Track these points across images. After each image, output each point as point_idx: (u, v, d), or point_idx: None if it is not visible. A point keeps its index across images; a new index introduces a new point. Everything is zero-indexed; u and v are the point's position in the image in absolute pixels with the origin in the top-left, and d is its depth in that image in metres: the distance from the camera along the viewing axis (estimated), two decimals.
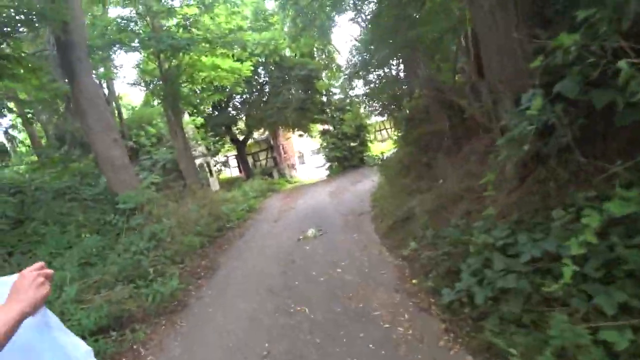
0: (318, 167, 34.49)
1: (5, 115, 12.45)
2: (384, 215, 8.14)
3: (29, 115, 13.77)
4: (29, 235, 6.16)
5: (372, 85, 16.86)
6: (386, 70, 14.34)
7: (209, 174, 19.96)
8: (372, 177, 15.60)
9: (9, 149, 15.35)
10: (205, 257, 7.48)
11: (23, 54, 7.62)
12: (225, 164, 33.75)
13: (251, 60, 14.78)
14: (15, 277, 1.11)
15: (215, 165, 25.53)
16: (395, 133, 16.42)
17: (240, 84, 15.11)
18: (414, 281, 4.51)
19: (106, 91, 14.09)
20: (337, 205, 11.30)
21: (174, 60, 11.84)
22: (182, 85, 13.22)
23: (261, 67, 22.11)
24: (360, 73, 16.76)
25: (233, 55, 14.13)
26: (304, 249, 7.15)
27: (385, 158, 13.26)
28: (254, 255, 7.38)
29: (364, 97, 19.01)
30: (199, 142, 17.10)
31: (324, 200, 12.52)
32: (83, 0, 10.02)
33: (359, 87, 18.96)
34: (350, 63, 17.05)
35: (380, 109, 16.78)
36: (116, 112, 14.82)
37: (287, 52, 23.77)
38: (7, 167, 12.03)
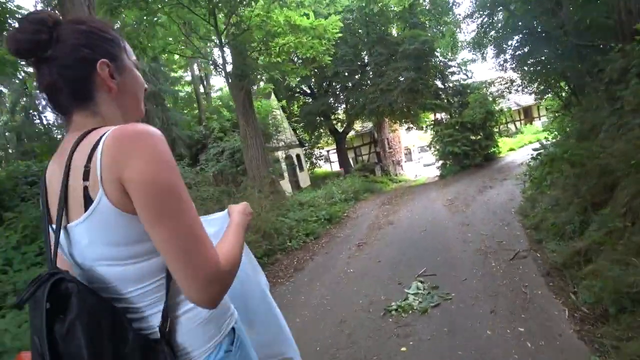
0: (427, 165, 29.26)
1: None
2: (575, 265, 3.67)
3: None
4: None
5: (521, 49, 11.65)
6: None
7: (298, 168, 16.99)
8: (508, 181, 10.59)
9: None
10: None
11: None
12: (325, 157, 31.02)
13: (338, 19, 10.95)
14: (223, 213, 1.16)
15: (311, 158, 22.70)
16: (561, 115, 10.74)
17: (330, 50, 11.45)
18: None
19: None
20: (463, 227, 6.84)
21: (233, 17, 8.79)
22: (253, 54, 10.17)
23: (361, 45, 18.27)
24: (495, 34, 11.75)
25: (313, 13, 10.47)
26: (391, 345, 3.14)
27: (543, 151, 8.39)
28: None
29: (506, 66, 13.67)
30: (282, 130, 14.05)
31: (440, 215, 8.12)
32: None
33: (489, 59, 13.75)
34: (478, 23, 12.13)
35: (538, 81, 11.30)
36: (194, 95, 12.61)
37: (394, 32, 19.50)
38: None
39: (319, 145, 25.93)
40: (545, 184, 7.33)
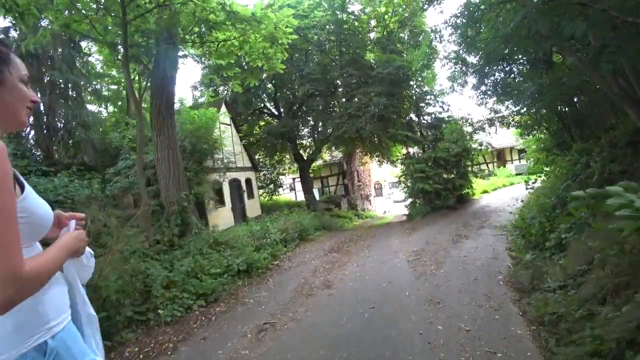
0: (397, 202, 27.12)
1: None
2: None
3: None
4: None
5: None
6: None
7: (246, 195, 14.23)
8: (486, 230, 8.39)
9: None
10: None
11: None
12: (290, 186, 28.37)
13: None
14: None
15: (269, 185, 20.03)
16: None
17: (283, 55, 9.17)
18: None
19: None
20: (431, 308, 4.30)
21: None
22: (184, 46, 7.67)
23: (333, 66, 16.27)
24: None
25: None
26: None
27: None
28: None
29: (486, 99, 11.74)
30: (221, 148, 11.40)
31: (400, 279, 5.55)
32: None
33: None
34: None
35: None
36: None
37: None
38: None
39: (283, 171, 23.37)
40: (549, 245, 5.00)
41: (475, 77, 10.95)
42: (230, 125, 13.92)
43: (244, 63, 10.21)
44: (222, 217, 12.27)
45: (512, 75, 10.15)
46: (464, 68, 9.62)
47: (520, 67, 9.88)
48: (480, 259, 6.23)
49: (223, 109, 13.63)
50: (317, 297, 4.99)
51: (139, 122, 6.84)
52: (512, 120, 10.67)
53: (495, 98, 11.07)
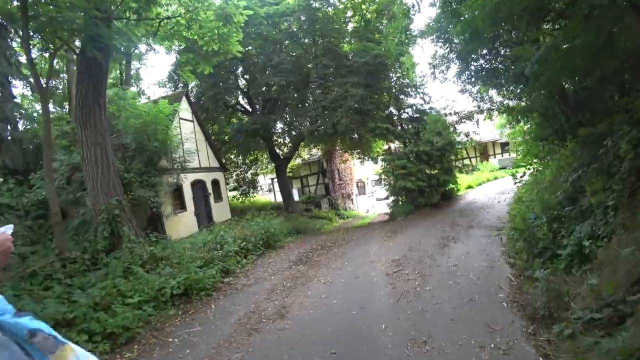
0: (380, 200, 26.01)
1: None
2: None
3: None
4: None
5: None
6: None
7: (213, 198, 12.78)
8: (476, 231, 7.27)
9: None
10: None
11: None
12: (269, 187, 26.91)
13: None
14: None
15: (242, 186, 18.56)
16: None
17: (239, 35, 7.84)
18: None
19: None
20: (415, 347, 3.06)
21: None
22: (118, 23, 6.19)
23: (305, 56, 14.96)
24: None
25: None
26: None
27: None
28: None
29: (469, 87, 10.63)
30: (178, 147, 9.95)
31: (375, 302, 4.27)
32: None
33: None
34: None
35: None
36: None
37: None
38: None
39: (260, 171, 21.94)
40: (565, 253, 3.78)
41: (459, 61, 9.85)
42: (192, 121, 12.43)
43: (197, 47, 8.80)
44: (183, 223, 10.81)
45: (499, 58, 9.05)
46: (447, 47, 8.45)
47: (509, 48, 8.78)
48: (474, 269, 5.05)
49: (184, 104, 12.14)
50: (263, 335, 3.67)
51: (44, 112, 5.38)
52: (500, 108, 9.53)
53: (480, 84, 9.98)
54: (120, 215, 6.16)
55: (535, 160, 10.10)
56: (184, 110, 12.06)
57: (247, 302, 4.73)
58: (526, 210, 6.01)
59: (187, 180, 11.14)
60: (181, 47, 8.32)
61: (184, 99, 12.18)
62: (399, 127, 14.49)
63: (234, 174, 18.26)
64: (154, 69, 50.45)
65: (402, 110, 14.98)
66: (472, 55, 8.99)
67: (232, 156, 18.35)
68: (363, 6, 16.63)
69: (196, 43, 8.27)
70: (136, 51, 15.96)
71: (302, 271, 5.99)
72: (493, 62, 9.19)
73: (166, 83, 17.61)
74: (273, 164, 19.13)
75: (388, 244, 7.48)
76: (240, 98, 18.56)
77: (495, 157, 26.77)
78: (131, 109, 8.62)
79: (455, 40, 8.75)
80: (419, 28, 8.99)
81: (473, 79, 9.61)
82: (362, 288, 4.81)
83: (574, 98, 7.06)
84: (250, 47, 15.21)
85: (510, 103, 9.56)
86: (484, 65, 9.34)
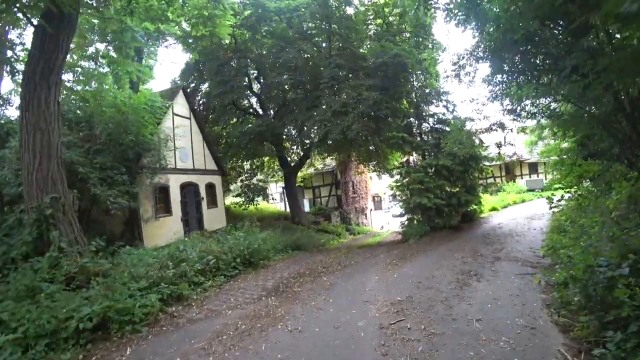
0: (396, 216, 24.25)
1: None
2: None
3: None
4: None
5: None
6: None
7: (205, 203, 11.53)
8: (504, 264, 5.59)
9: None
10: None
11: None
12: (281, 195, 25.60)
13: None
14: None
15: (247, 192, 17.25)
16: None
17: (226, 13, 6.64)
18: None
19: None
20: None
21: None
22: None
23: (318, 56, 13.71)
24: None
25: None
26: None
27: None
28: None
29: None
30: (167, 145, 8.80)
31: None
32: None
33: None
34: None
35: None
36: None
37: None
38: None
39: (269, 178, 20.76)
40: None
41: (490, 58, 8.24)
42: (189, 118, 11.32)
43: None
44: (166, 229, 9.59)
45: (541, 56, 7.39)
46: (477, 29, 6.89)
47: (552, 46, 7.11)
48: (506, 330, 3.47)
49: (181, 99, 11.06)
50: None
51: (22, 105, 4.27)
52: (545, 110, 7.78)
53: (517, 86, 8.28)
54: (55, 215, 4.93)
55: (580, 182, 8.40)
56: (179, 105, 10.96)
57: (174, 353, 3.32)
58: (578, 246, 4.34)
59: (175, 181, 9.96)
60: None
61: (180, 93, 11.09)
62: (418, 138, 12.93)
63: (239, 179, 17.06)
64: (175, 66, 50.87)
65: (422, 120, 13.42)
66: (515, 42, 7.24)
67: (239, 160, 17.21)
68: (386, 9, 15.40)
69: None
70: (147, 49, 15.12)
71: (271, 307, 4.53)
72: (532, 59, 7.54)
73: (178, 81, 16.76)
74: (283, 172, 17.88)
75: (392, 275, 5.92)
76: (253, 100, 17.55)
77: (522, 178, 24.54)
78: (108, 96, 7.53)
79: (490, 26, 7.12)
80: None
81: (509, 78, 7.96)
82: (339, 348, 3.30)
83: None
84: (257, 47, 14.22)
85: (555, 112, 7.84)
86: (517, 64, 7.71)
